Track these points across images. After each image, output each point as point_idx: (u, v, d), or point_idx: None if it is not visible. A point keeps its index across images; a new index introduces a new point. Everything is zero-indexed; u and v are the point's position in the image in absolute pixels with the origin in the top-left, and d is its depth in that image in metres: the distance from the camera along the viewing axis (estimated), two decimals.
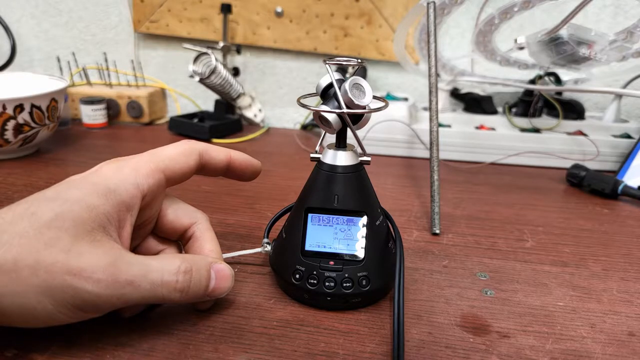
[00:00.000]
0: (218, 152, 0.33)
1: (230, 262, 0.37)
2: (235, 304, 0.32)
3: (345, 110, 0.30)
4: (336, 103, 0.30)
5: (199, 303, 0.31)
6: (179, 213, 0.32)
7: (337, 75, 0.31)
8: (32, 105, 0.57)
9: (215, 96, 0.82)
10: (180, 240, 0.33)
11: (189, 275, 0.27)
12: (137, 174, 0.28)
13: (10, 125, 0.57)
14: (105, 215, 0.26)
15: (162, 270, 0.26)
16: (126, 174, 0.28)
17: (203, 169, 0.33)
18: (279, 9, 0.81)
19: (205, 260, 0.29)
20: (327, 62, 0.31)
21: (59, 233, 0.23)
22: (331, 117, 0.31)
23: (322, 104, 0.32)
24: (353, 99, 0.29)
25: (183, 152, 0.31)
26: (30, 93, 0.57)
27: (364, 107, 0.30)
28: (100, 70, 0.84)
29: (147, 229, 0.32)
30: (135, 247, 0.32)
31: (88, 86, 0.84)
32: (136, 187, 0.27)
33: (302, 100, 0.32)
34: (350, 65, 0.31)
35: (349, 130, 0.32)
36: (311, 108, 0.31)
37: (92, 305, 0.24)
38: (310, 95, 0.34)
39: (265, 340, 0.28)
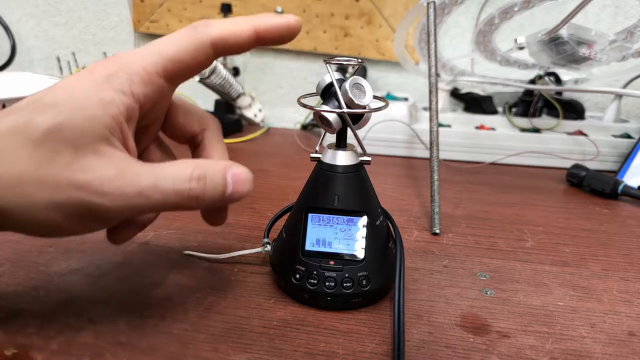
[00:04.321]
0: (237, 32, 0.27)
1: (230, 262, 0.37)
2: (235, 304, 0.32)
3: (345, 110, 0.30)
4: (336, 103, 0.30)
5: (213, 218, 0.30)
6: (189, 117, 0.30)
7: (338, 75, 0.31)
8: None
9: (215, 96, 0.82)
10: (188, 145, 0.32)
11: (203, 182, 0.25)
12: (131, 83, 0.25)
13: None
14: (106, 127, 0.24)
15: (173, 178, 0.24)
16: (120, 83, 0.24)
17: (223, 54, 0.28)
18: (279, 9, 0.81)
19: (220, 164, 0.26)
20: (328, 61, 0.31)
21: (59, 145, 0.22)
22: (331, 117, 0.31)
23: (323, 103, 0.32)
24: (353, 99, 0.29)
25: (187, 48, 0.26)
26: (30, 93, 0.57)
27: (364, 107, 0.30)
28: None
29: (153, 131, 0.30)
30: (140, 155, 0.30)
31: None
32: (130, 97, 0.25)
33: (302, 100, 0.32)
34: (350, 65, 0.31)
35: (349, 130, 0.32)
36: (311, 108, 0.31)
37: (103, 217, 0.23)
38: (311, 95, 0.34)
39: (265, 340, 0.28)
